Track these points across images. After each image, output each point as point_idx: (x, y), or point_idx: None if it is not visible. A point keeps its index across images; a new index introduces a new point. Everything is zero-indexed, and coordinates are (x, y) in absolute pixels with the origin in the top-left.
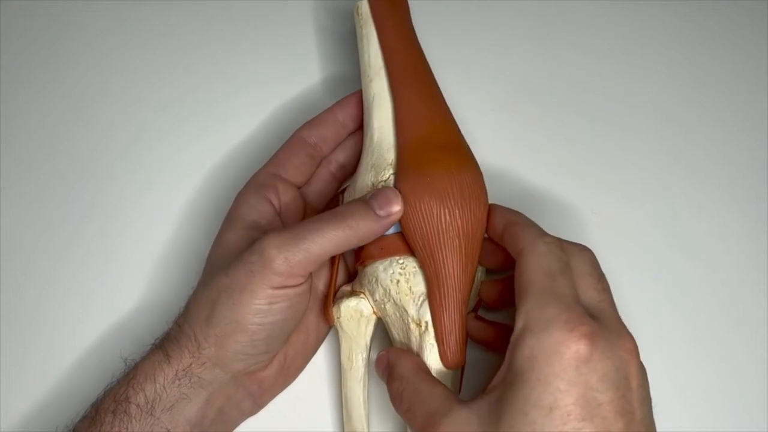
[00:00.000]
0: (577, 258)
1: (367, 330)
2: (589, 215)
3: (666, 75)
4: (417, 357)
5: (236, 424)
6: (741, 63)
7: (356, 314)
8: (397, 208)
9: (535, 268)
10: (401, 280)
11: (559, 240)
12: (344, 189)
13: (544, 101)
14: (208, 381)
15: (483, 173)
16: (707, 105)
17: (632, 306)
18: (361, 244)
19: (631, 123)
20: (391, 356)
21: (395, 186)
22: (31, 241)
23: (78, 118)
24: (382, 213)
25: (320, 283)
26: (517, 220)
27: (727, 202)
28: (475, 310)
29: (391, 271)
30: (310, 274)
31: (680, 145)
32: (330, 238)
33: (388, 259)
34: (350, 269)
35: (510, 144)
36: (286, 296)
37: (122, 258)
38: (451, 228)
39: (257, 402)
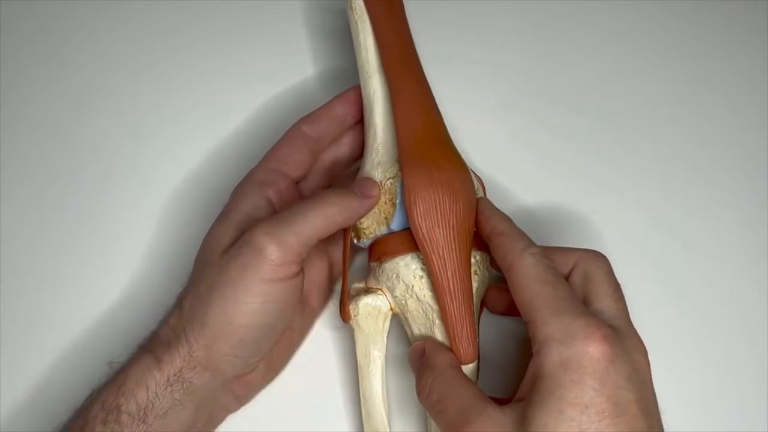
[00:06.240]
0: (593, 265)
1: (384, 326)
2: (590, 215)
3: (666, 75)
4: (452, 353)
5: (220, 423)
6: (741, 63)
7: (374, 311)
8: (375, 192)
9: (533, 280)
10: (425, 276)
11: (552, 248)
12: None
13: (545, 101)
14: (198, 386)
15: (483, 172)
16: (708, 105)
17: (632, 306)
18: (346, 223)
19: (632, 123)
20: (428, 347)
21: (403, 180)
22: (23, 237)
23: (68, 114)
24: (361, 193)
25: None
26: (503, 229)
27: (728, 202)
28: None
29: (414, 267)
30: (302, 271)
31: (681, 145)
32: (317, 217)
33: (409, 255)
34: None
35: (511, 143)
36: (277, 294)
37: (107, 253)
38: (461, 224)
39: (242, 402)
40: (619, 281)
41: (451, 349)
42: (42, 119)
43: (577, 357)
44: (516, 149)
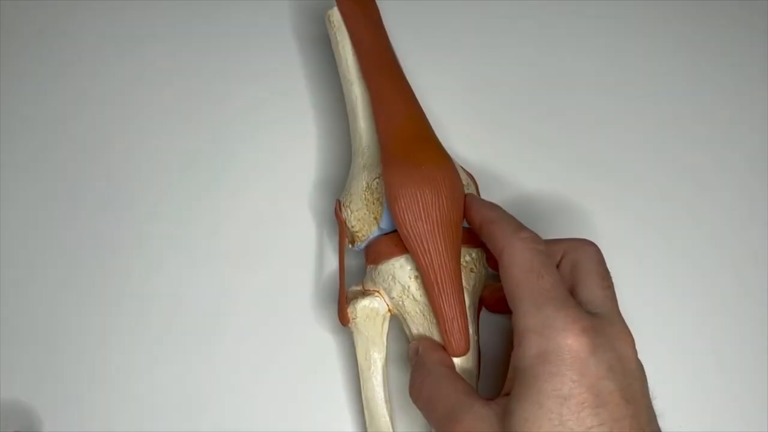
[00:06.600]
0: (581, 253)
1: (383, 328)
2: (590, 215)
3: (667, 75)
4: (443, 351)
5: None
6: (741, 65)
7: (372, 313)
8: None
9: (518, 268)
10: (420, 276)
11: (544, 238)
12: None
13: (543, 100)
14: None
15: (482, 173)
16: (708, 105)
17: (631, 305)
18: None
19: (631, 122)
20: (421, 346)
21: (383, 177)
22: (21, 238)
23: (69, 114)
24: None
25: None
26: (492, 217)
27: (727, 202)
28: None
29: (409, 268)
30: None
31: (680, 144)
32: None
33: (403, 257)
34: None
35: (507, 143)
36: None
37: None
38: (445, 216)
39: None
40: (619, 282)
41: (443, 347)
42: (42, 119)
43: (555, 349)
44: (513, 150)
